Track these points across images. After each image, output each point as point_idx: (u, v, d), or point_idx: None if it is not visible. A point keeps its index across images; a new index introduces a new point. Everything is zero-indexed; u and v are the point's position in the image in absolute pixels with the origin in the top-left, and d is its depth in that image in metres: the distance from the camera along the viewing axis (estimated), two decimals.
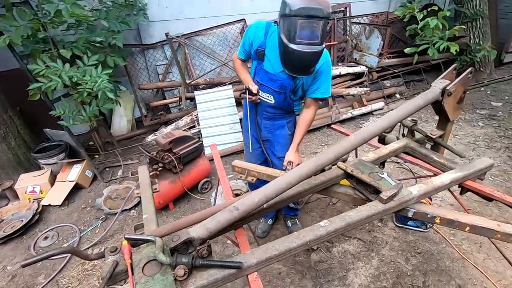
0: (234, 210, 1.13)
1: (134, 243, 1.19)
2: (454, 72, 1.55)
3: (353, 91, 4.34)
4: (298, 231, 1.23)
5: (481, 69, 5.30)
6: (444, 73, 1.54)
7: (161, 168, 2.75)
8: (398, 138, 1.94)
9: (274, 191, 1.19)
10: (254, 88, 1.83)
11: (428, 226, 2.48)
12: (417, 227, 2.50)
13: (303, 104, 1.98)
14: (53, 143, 3.48)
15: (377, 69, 4.67)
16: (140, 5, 3.81)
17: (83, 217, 2.87)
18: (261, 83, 1.86)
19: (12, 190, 3.05)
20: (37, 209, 2.84)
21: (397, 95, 4.91)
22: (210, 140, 3.71)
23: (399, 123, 1.90)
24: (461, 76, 1.47)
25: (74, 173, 3.18)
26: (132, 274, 0.99)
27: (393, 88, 4.91)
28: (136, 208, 2.94)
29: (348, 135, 2.28)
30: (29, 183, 3.02)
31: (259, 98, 1.89)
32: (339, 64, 4.82)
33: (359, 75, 4.67)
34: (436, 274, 2.13)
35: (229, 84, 4.17)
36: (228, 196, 1.59)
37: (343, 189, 1.60)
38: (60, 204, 2.94)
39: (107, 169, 3.55)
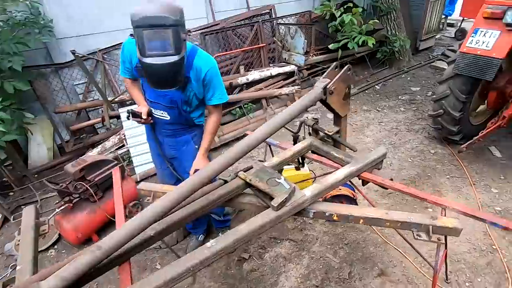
0: (96, 250, 1.01)
1: None
2: (336, 70, 1.60)
3: (285, 90, 4.41)
4: (183, 256, 1.15)
5: (400, 57, 5.75)
6: (326, 72, 1.57)
7: (77, 199, 2.51)
8: (304, 138, 1.96)
9: (145, 220, 1.09)
10: (143, 111, 1.74)
11: None
12: None
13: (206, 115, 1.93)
14: None
15: (306, 67, 4.81)
16: (43, 22, 3.47)
17: None
18: (151, 100, 1.77)
19: None
20: None
21: None
22: (140, 159, 3.50)
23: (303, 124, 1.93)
24: (339, 74, 1.51)
25: None
26: None
27: None
28: (55, 247, 2.64)
29: None
30: None
31: (151, 118, 1.79)
32: (270, 65, 4.88)
33: (291, 74, 4.77)
34: (361, 263, 2.20)
35: None
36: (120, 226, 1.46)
37: (247, 199, 1.57)
38: None
39: (22, 207, 3.16)
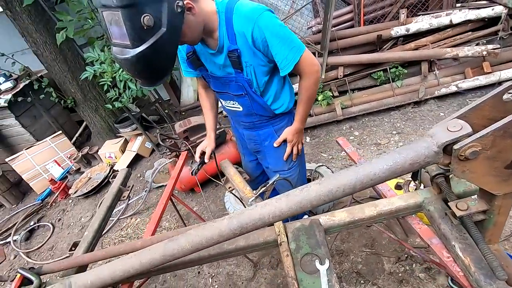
0: None
1: None
2: (498, 97, 0.64)
3: (467, 50, 2.86)
4: None
5: None
6: (472, 105, 0.66)
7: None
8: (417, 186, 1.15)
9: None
10: (207, 151, 1.60)
11: None
12: None
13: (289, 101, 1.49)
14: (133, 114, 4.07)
15: None
16: None
17: (136, 185, 3.36)
18: (216, 91, 1.48)
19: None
20: (109, 173, 3.51)
21: None
22: None
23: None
24: (507, 119, 0.60)
25: (137, 144, 3.67)
26: None
27: None
28: None
29: (353, 160, 1.56)
30: (107, 150, 3.72)
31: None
32: (457, 5, 3.18)
33: (489, 22, 2.98)
34: None
35: None
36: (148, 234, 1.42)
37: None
38: None
39: (167, 140, 3.91)
